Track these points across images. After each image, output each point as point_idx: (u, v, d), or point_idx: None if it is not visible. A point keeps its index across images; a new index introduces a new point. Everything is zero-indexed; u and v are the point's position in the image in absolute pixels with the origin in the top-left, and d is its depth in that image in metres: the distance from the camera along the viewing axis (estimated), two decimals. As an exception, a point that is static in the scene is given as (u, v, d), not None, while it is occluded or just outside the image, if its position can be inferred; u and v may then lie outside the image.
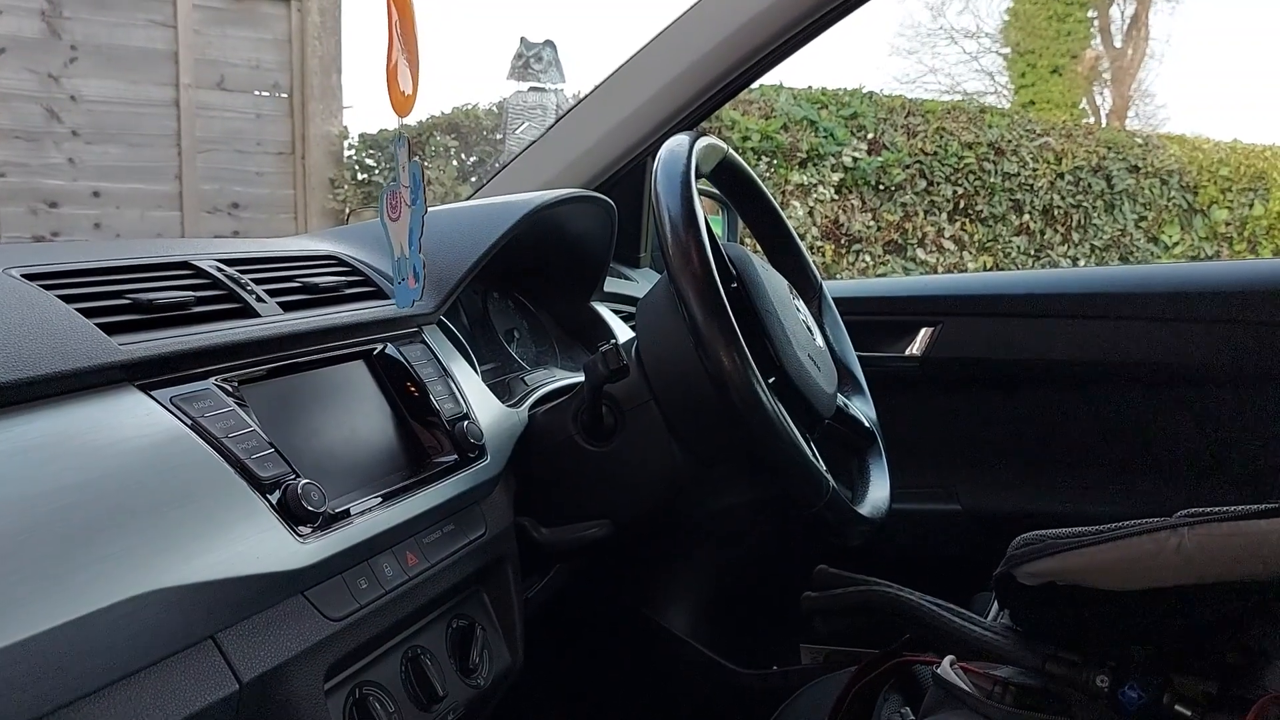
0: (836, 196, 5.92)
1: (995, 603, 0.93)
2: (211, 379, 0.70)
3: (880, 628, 0.96)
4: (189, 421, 0.65)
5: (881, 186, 6.04)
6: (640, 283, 1.51)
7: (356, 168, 6.00)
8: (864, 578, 0.97)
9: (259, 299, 0.80)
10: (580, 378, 1.05)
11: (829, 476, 0.93)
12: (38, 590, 0.51)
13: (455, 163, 6.09)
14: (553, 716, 1.47)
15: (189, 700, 0.57)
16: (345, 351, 0.86)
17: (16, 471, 0.55)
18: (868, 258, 6.02)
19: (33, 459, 0.56)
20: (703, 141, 1.01)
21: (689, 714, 1.46)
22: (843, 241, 5.96)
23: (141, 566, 0.56)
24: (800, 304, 1.09)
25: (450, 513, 0.87)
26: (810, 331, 1.07)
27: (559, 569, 1.14)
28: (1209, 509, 0.69)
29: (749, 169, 1.16)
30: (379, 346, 0.89)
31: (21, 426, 0.57)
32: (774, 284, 1.04)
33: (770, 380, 0.93)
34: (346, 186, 5.87)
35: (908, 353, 1.47)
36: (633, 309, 1.46)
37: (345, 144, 5.98)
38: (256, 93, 5.59)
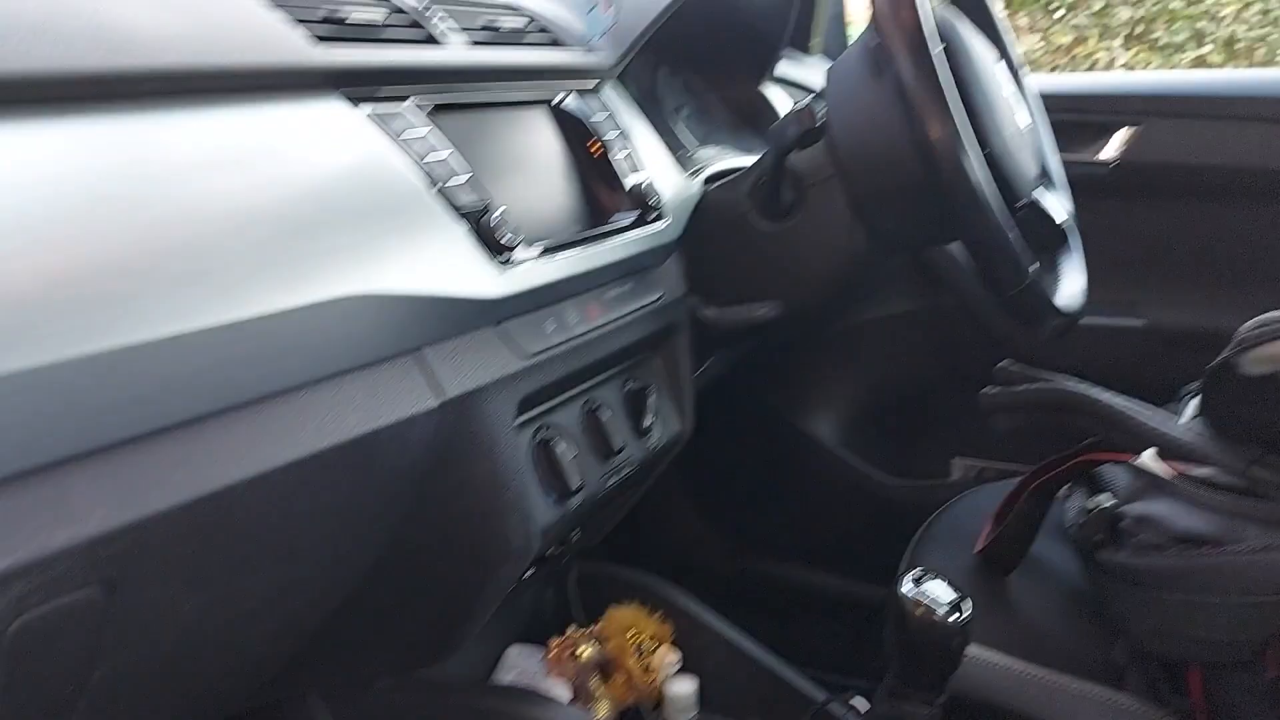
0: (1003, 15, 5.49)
1: (1187, 409, 0.87)
2: (408, 100, 0.68)
3: (1052, 435, 0.91)
4: (392, 137, 0.63)
5: (1053, 6, 5.57)
6: (812, 69, 1.42)
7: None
8: (1050, 374, 0.92)
9: (445, 32, 0.77)
10: (750, 160, 1.00)
11: (1031, 254, 0.87)
12: (258, 277, 0.50)
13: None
14: (696, 521, 1.48)
15: (393, 408, 0.57)
16: (529, 97, 0.83)
17: (232, 160, 0.54)
18: (1030, 85, 5.63)
19: (247, 151, 0.55)
20: None
21: (837, 522, 1.45)
22: (1003, 66, 5.58)
23: (354, 270, 0.55)
24: (1006, 78, 1.00)
25: (630, 270, 0.85)
26: (1013, 108, 0.98)
27: (715, 359, 1.12)
28: None
29: None
30: (560, 96, 0.86)
31: (235, 118, 0.56)
32: (981, 53, 0.95)
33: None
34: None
35: (1099, 157, 1.35)
36: (804, 95, 1.38)
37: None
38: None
